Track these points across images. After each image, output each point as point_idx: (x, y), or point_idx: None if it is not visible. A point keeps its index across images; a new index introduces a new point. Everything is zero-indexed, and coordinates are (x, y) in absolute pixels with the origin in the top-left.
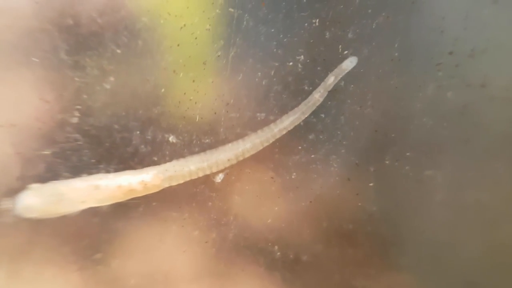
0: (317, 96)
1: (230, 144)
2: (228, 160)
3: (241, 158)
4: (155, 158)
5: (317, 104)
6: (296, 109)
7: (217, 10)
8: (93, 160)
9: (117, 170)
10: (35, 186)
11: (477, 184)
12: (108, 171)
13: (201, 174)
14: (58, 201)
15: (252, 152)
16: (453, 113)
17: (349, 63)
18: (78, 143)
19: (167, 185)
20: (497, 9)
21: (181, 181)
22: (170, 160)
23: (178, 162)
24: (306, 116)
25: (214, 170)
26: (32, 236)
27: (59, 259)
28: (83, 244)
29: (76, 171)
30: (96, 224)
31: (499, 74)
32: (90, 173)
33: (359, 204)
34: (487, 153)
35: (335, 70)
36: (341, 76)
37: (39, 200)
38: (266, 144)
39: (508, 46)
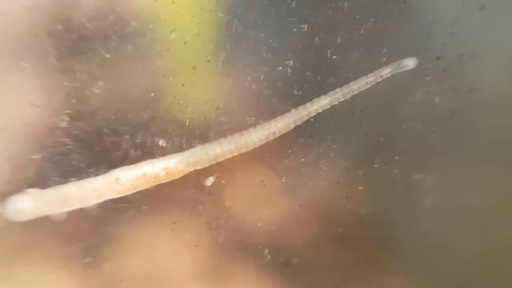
0: (365, 82)
1: (261, 125)
2: (260, 140)
3: (271, 138)
4: None
5: (360, 90)
6: (338, 89)
7: (207, 15)
8: (82, 164)
9: None
10: (32, 190)
11: (466, 188)
12: (97, 175)
13: (228, 156)
14: (63, 202)
15: (284, 131)
16: (442, 118)
17: (410, 62)
18: (68, 147)
19: (192, 169)
20: (485, 15)
21: (207, 165)
22: None
23: (203, 146)
24: (345, 98)
25: (243, 151)
26: (22, 241)
27: (49, 263)
28: (73, 249)
29: (66, 175)
30: (86, 228)
31: (487, 79)
32: (79, 177)
33: (349, 207)
34: (476, 158)
35: (394, 63)
36: (396, 72)
37: (35, 204)
38: (299, 123)
39: (496, 51)
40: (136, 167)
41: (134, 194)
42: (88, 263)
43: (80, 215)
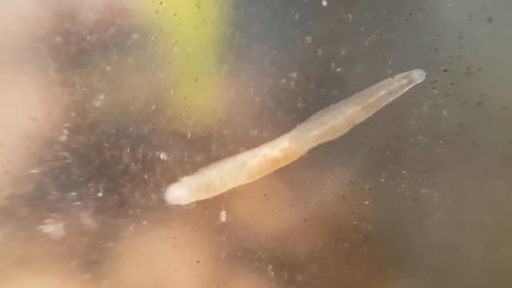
0: (384, 93)
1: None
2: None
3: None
4: (146, 176)
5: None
6: (368, 89)
7: (209, 27)
8: (82, 179)
9: (106, 188)
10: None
11: (475, 204)
12: (97, 190)
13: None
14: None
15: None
16: (450, 132)
17: (418, 76)
18: (67, 161)
19: (306, 149)
20: (493, 27)
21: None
22: (161, 178)
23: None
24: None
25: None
26: (20, 258)
27: (48, 280)
28: (72, 265)
29: (65, 189)
30: (85, 244)
31: (495, 92)
32: (79, 192)
33: (355, 222)
34: (485, 172)
35: (405, 73)
36: (409, 87)
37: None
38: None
39: (504, 64)
40: (257, 149)
41: (134, 209)
42: (87, 280)
43: (78, 230)
